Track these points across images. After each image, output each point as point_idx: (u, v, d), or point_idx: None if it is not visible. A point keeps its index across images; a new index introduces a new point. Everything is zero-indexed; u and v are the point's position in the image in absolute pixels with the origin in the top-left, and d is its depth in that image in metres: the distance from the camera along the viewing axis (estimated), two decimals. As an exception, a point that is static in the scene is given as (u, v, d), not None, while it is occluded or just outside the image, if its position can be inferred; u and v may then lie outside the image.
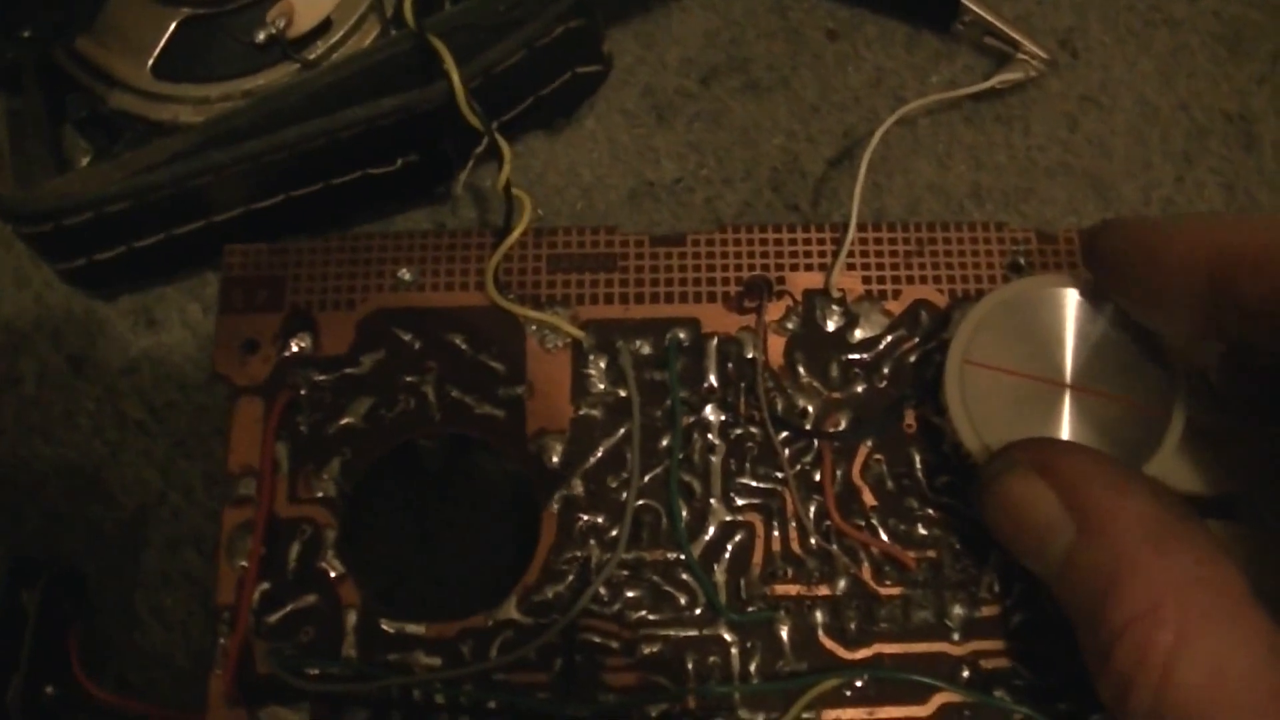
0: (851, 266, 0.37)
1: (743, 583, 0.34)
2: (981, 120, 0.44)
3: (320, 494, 0.35)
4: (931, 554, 0.34)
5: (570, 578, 0.34)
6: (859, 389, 0.36)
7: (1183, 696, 0.26)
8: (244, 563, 0.34)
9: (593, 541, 0.34)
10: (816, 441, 0.35)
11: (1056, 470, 0.30)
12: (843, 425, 0.35)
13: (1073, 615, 0.30)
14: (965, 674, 0.33)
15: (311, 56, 0.40)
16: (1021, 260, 0.37)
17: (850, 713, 0.33)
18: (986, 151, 0.43)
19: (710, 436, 0.35)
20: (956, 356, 0.34)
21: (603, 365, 0.36)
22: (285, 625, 0.34)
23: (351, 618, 0.34)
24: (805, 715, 0.33)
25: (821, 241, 0.37)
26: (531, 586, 0.34)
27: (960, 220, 0.38)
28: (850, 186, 0.40)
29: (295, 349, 0.36)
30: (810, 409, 0.36)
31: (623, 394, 0.35)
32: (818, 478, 0.35)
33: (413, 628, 0.34)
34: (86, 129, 0.41)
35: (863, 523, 0.35)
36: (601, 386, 0.36)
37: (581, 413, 0.35)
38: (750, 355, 0.36)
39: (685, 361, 0.36)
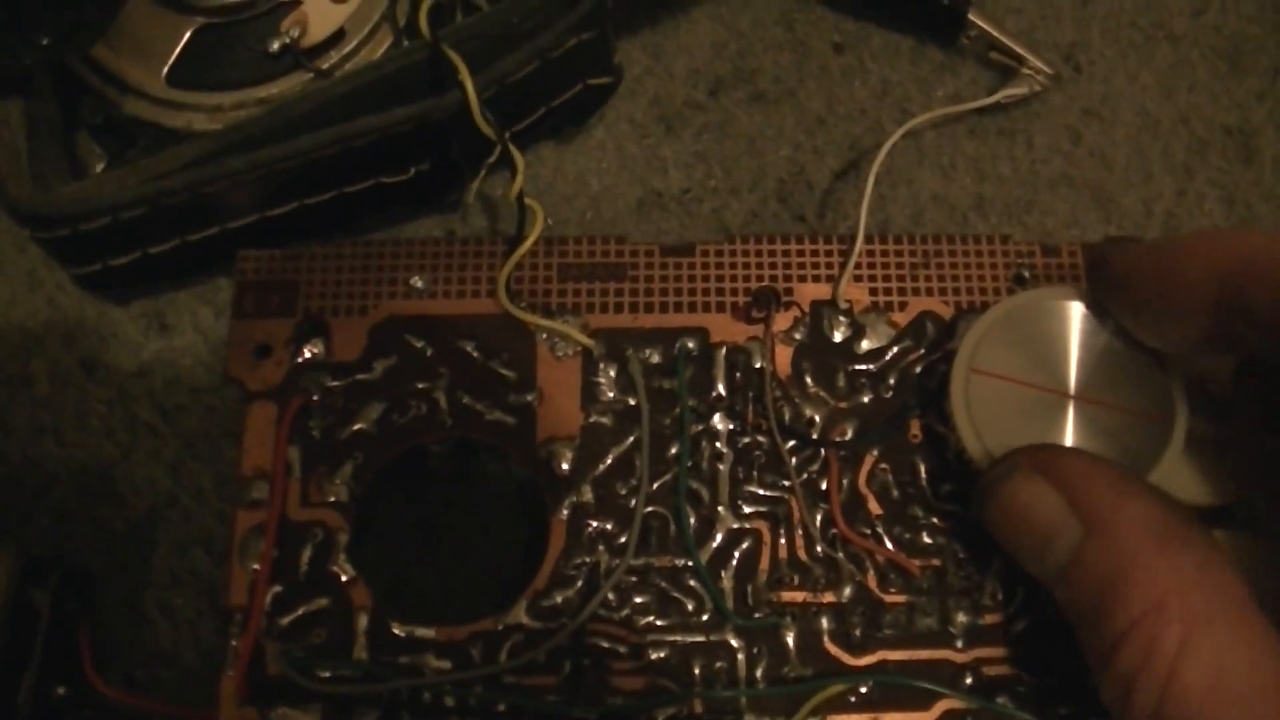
0: (859, 278, 0.37)
1: (749, 589, 0.34)
2: (985, 133, 0.44)
3: (332, 498, 0.35)
4: (936, 562, 0.35)
5: (579, 583, 0.34)
6: (865, 399, 0.36)
7: (1186, 695, 0.27)
8: (256, 565, 0.34)
9: (601, 547, 0.35)
10: (823, 450, 0.36)
11: (1060, 472, 0.31)
12: (849, 434, 0.36)
13: (1075, 616, 0.30)
14: (968, 680, 0.34)
15: (325, 66, 0.40)
16: (1026, 273, 0.37)
17: (855, 718, 0.33)
18: (990, 163, 0.44)
19: (718, 444, 0.36)
20: (962, 365, 0.34)
21: (612, 373, 0.36)
22: (297, 627, 0.34)
23: (363, 620, 0.34)
24: (810, 720, 0.33)
25: (829, 253, 0.37)
26: (541, 591, 0.34)
27: (964, 232, 0.38)
28: (856, 198, 0.41)
29: (308, 354, 0.36)
30: (817, 418, 0.36)
31: (632, 402, 0.36)
32: (824, 486, 0.35)
33: (423, 631, 0.34)
34: (101, 135, 0.41)
35: (868, 530, 0.35)
36: (611, 394, 0.36)
37: (591, 420, 0.36)
38: (758, 365, 0.36)
39: (694, 370, 0.36)
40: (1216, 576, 0.28)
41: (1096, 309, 0.35)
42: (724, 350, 0.36)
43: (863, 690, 0.34)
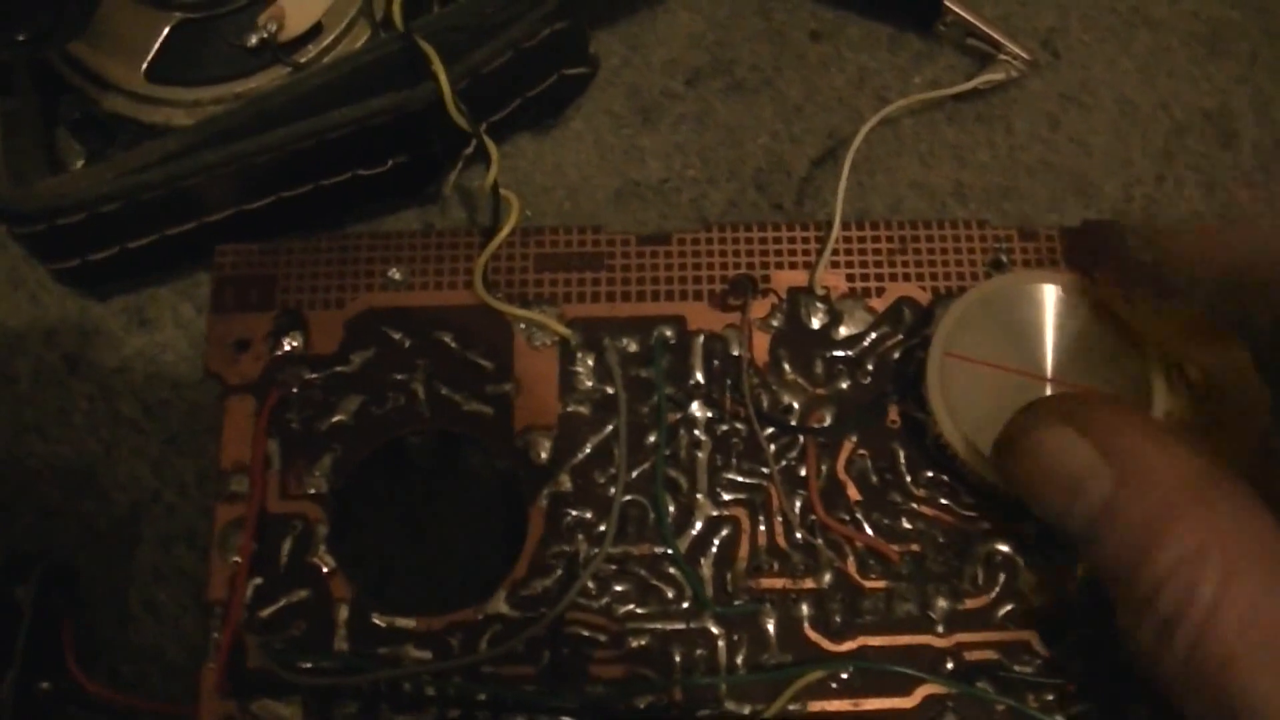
0: (836, 264, 0.37)
1: (728, 576, 0.35)
2: (964, 119, 0.44)
3: (311, 490, 0.35)
4: (915, 547, 0.35)
5: (558, 572, 0.34)
6: (843, 385, 0.36)
7: (1220, 638, 0.27)
8: (236, 558, 0.34)
9: (580, 536, 0.35)
10: (801, 437, 0.36)
11: (1090, 421, 0.31)
12: (827, 421, 0.36)
13: (1108, 564, 0.30)
14: (949, 666, 0.34)
15: (302, 60, 0.41)
16: (1003, 257, 0.37)
17: (835, 704, 0.33)
18: (969, 150, 0.44)
19: (696, 433, 0.36)
20: (938, 349, 0.34)
21: (590, 363, 0.36)
22: (277, 619, 0.34)
23: (343, 612, 0.34)
24: (791, 706, 0.33)
25: (806, 240, 0.37)
26: (520, 581, 0.34)
27: (943, 218, 0.38)
28: (834, 185, 0.40)
29: (286, 347, 0.36)
30: (795, 405, 0.36)
31: (610, 391, 0.36)
32: (802, 473, 0.35)
33: (403, 622, 0.34)
34: (80, 131, 0.41)
35: (847, 517, 0.35)
36: (589, 384, 0.36)
37: (569, 409, 0.36)
38: (735, 352, 0.36)
39: (671, 359, 0.36)
40: (1253, 523, 0.28)
41: (1073, 293, 0.35)
42: (701, 338, 0.36)
43: (843, 676, 0.34)
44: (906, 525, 0.35)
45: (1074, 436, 0.30)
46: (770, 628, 0.34)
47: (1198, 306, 0.32)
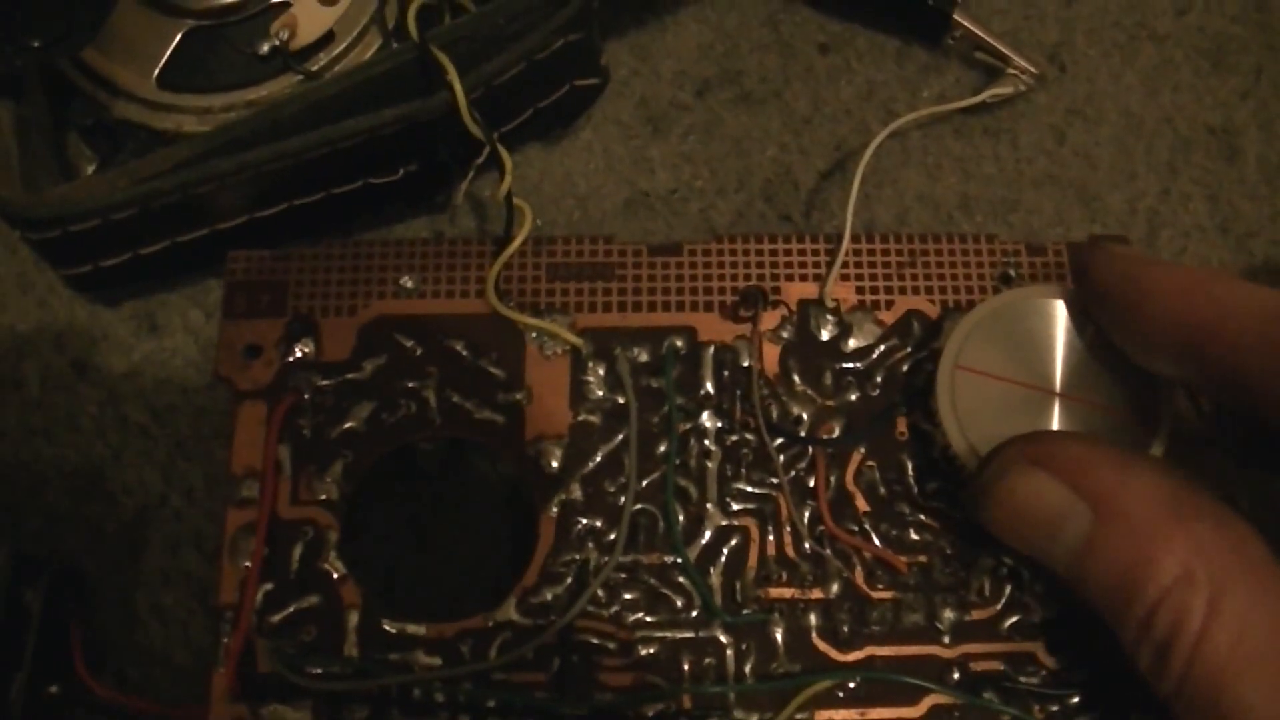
0: (845, 277, 0.37)
1: (737, 585, 0.35)
2: (970, 132, 0.44)
3: (322, 496, 0.35)
4: (922, 558, 0.35)
5: (568, 580, 0.35)
6: (852, 397, 0.36)
7: (1212, 656, 0.28)
8: (247, 563, 0.34)
9: (590, 544, 0.35)
10: (810, 448, 0.36)
11: (1058, 460, 0.31)
12: (836, 432, 0.36)
13: (1099, 597, 0.30)
14: (955, 676, 0.34)
15: (314, 68, 0.41)
16: (1012, 272, 0.37)
17: (842, 713, 0.34)
18: (975, 163, 0.44)
19: (706, 442, 0.36)
20: (948, 362, 0.35)
21: (601, 372, 0.36)
22: (287, 625, 0.34)
23: (353, 618, 0.34)
24: (798, 715, 0.33)
25: (816, 252, 0.38)
26: (530, 588, 0.34)
27: (950, 231, 0.38)
28: (841, 197, 0.41)
29: (298, 354, 0.36)
30: (804, 416, 0.36)
31: (620, 400, 0.36)
32: (811, 483, 0.35)
33: (413, 628, 0.34)
34: (91, 137, 0.41)
35: (855, 527, 0.35)
36: (599, 393, 0.36)
37: (580, 418, 0.36)
38: (745, 363, 0.36)
39: (682, 369, 0.36)
40: (1234, 537, 0.29)
41: (1081, 308, 0.35)
42: (712, 349, 0.37)
43: (851, 685, 0.34)
44: (914, 536, 0.35)
45: (1045, 478, 0.31)
46: (778, 637, 0.34)
47: (1159, 357, 0.32)
